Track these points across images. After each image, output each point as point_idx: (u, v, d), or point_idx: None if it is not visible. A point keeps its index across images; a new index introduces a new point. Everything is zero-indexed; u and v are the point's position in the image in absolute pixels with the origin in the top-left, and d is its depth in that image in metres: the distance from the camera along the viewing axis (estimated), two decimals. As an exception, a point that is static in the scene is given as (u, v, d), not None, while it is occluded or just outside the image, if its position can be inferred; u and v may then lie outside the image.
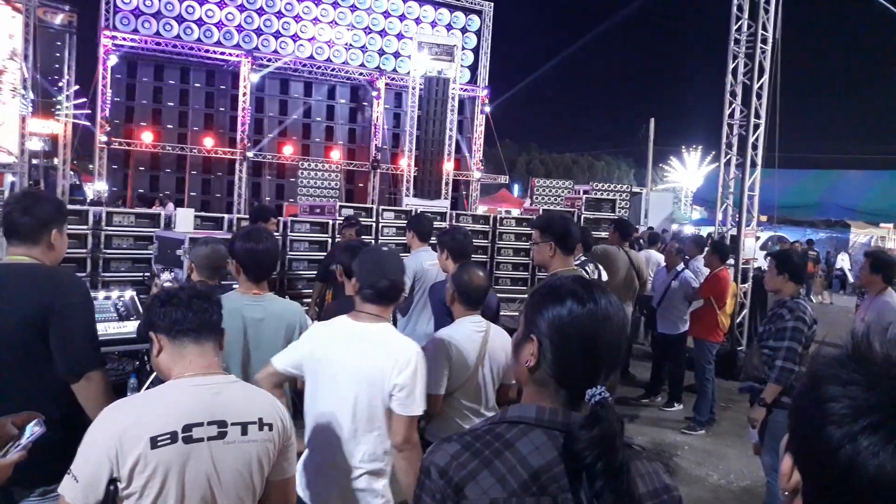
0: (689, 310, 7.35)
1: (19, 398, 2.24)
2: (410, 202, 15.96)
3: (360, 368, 2.46)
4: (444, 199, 18.46)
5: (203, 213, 8.09)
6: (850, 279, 21.53)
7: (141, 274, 6.71)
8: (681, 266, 7.49)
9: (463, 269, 3.29)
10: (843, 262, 21.96)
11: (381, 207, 9.37)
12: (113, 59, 18.80)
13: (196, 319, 1.90)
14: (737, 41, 9.65)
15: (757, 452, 4.72)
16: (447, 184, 19.31)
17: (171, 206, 15.16)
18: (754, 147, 9.64)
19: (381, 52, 21.59)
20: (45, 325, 2.40)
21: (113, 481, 1.68)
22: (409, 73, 19.30)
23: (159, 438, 1.71)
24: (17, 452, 1.71)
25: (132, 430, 1.70)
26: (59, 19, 19.04)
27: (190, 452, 1.75)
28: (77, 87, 20.04)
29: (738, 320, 9.39)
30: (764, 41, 9.48)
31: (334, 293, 6.09)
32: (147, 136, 19.77)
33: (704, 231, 16.22)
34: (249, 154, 20.06)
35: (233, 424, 1.84)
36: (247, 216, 7.81)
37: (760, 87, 9.57)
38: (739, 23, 9.62)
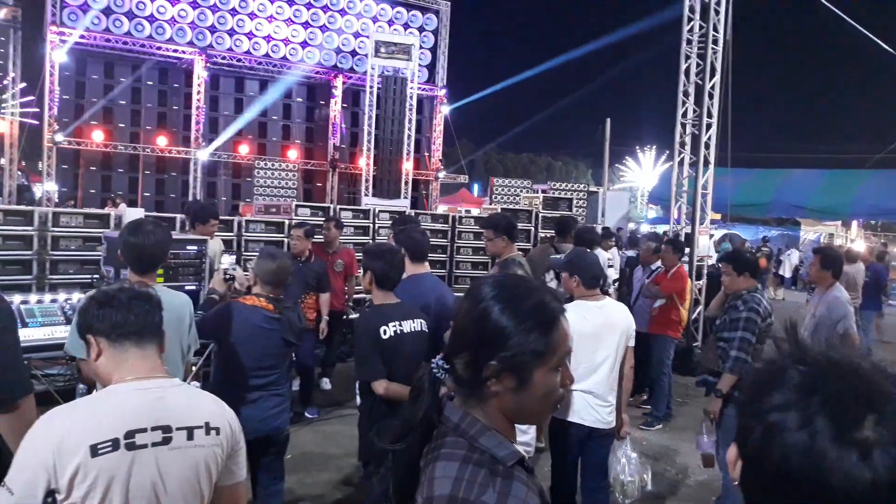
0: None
1: None
2: (370, 202, 15.84)
3: (618, 326, 3.94)
4: (403, 198, 18.38)
5: (155, 214, 7.88)
6: (788, 275, 22.08)
7: (90, 276, 6.51)
8: (656, 264, 7.48)
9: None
10: (790, 258, 22.45)
11: (340, 207, 9.28)
12: (61, 56, 18.19)
13: (137, 322, 1.83)
14: (689, 42, 9.81)
15: (708, 464, 4.78)
16: (406, 183, 19.24)
17: (123, 206, 14.77)
18: (707, 146, 9.81)
19: (338, 51, 21.41)
20: None
21: (51, 493, 1.60)
22: (366, 71, 19.15)
23: (100, 446, 1.64)
24: None
25: (70, 439, 1.62)
26: (1, 14, 18.44)
27: (133, 459, 1.68)
28: (24, 84, 19.46)
29: (692, 317, 9.53)
30: (715, 42, 9.66)
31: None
32: (98, 135, 19.22)
33: (660, 229, 16.45)
34: (202, 155, 19.63)
35: (178, 429, 1.77)
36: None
37: (712, 87, 9.75)
38: (691, 24, 9.78)
